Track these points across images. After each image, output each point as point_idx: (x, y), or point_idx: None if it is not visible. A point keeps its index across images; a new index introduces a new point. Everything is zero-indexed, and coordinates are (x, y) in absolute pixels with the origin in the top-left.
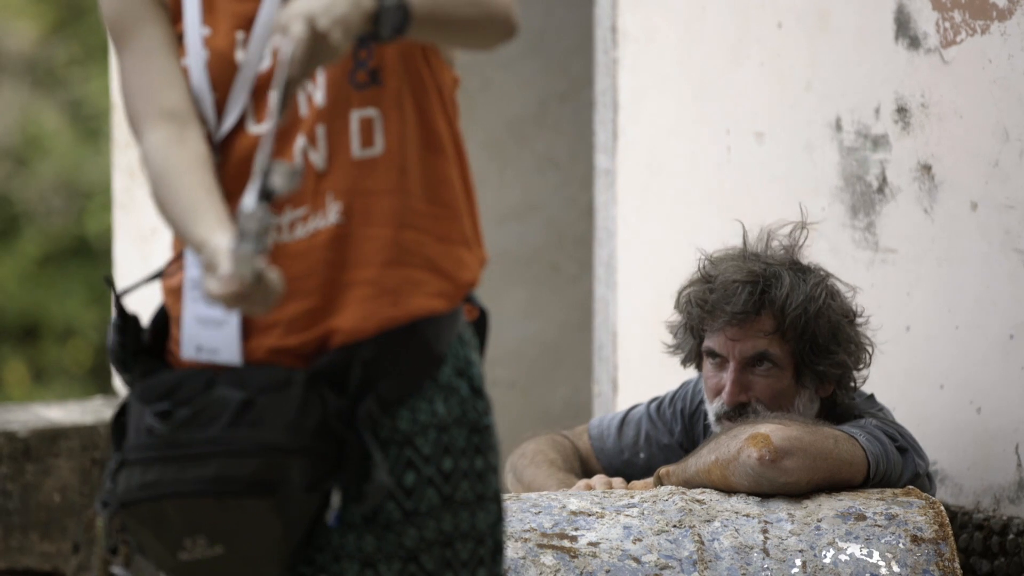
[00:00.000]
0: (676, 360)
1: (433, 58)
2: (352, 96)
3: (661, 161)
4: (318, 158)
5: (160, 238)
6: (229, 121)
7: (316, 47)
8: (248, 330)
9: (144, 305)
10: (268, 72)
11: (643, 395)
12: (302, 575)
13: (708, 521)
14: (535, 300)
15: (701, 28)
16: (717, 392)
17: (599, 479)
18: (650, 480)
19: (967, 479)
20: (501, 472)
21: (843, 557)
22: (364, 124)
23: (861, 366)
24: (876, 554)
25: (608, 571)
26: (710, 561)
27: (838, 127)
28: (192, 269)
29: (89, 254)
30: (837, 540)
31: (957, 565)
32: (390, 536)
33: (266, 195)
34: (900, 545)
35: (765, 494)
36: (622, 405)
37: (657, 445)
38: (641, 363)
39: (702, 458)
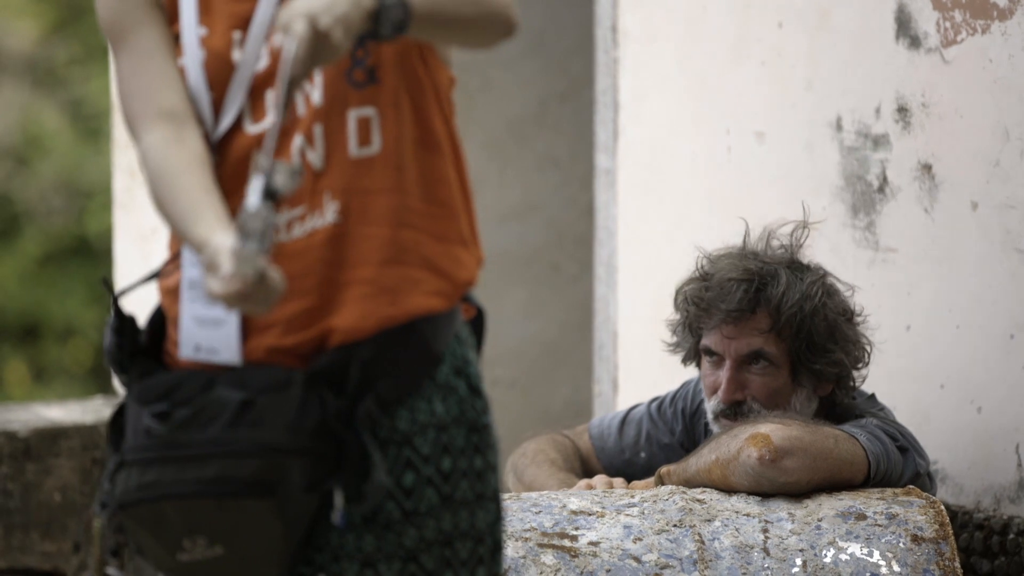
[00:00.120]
0: (677, 359)
1: (429, 57)
2: (350, 95)
3: (661, 161)
4: (315, 157)
5: (160, 238)
6: (226, 121)
7: (318, 46)
8: (247, 330)
9: (143, 306)
10: (265, 72)
11: (644, 395)
12: (301, 575)
13: (709, 520)
14: (535, 300)
15: (701, 28)
16: (714, 390)
17: (600, 479)
18: (651, 480)
19: (968, 479)
20: (500, 471)
21: (844, 556)
22: (361, 123)
23: (860, 365)
24: (877, 553)
25: (608, 570)
26: (710, 560)
27: (838, 127)
28: (189, 269)
29: (90, 254)
30: (838, 539)
31: (958, 565)
32: (390, 536)
33: (270, 194)
34: (901, 544)
35: (765, 494)
36: (623, 405)
37: (658, 445)
38: (642, 363)
39: (703, 458)
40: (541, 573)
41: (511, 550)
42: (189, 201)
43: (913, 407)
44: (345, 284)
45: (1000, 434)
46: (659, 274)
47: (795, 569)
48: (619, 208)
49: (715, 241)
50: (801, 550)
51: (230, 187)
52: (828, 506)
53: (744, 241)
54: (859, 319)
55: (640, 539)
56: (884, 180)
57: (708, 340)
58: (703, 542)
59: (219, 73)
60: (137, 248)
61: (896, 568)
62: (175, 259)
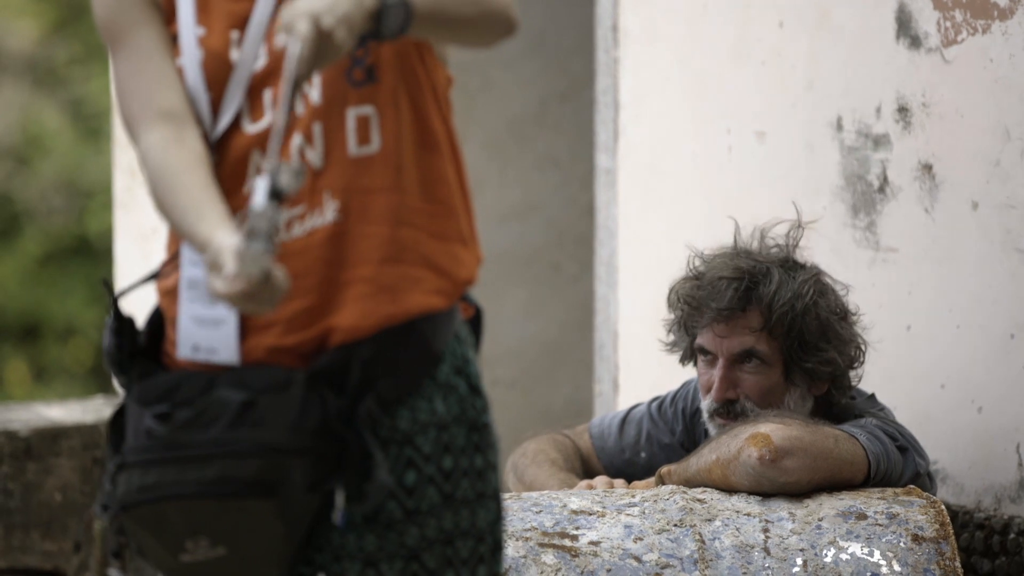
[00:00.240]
0: (676, 359)
1: (428, 56)
2: (349, 94)
3: (662, 160)
4: (315, 156)
5: (161, 237)
6: (225, 120)
7: (321, 46)
8: (246, 329)
9: (142, 307)
10: (263, 71)
11: (644, 394)
12: (302, 575)
13: (709, 520)
14: (536, 300)
15: (702, 27)
16: (708, 389)
17: (601, 480)
18: (651, 480)
19: (968, 478)
20: (500, 470)
21: (844, 556)
22: (360, 122)
23: (855, 364)
24: (877, 553)
25: (609, 570)
26: (711, 560)
27: (839, 126)
28: (189, 269)
29: (90, 253)
30: (838, 539)
31: (958, 564)
32: (391, 535)
33: (276, 194)
34: (901, 544)
35: (766, 493)
36: (623, 404)
37: (658, 444)
38: (642, 362)
39: (703, 457)
40: (542, 573)
41: (512, 550)
42: (190, 201)
43: (913, 407)
44: (345, 283)
45: (1000, 434)
46: (659, 274)
47: (796, 569)
48: (619, 208)
49: (715, 241)
50: (802, 550)
51: (229, 186)
52: (828, 506)
53: (736, 240)
54: (854, 318)
55: (641, 539)
56: (884, 180)
57: (701, 339)
58: (704, 542)
59: (217, 73)
60: (137, 248)
61: (897, 568)
62: (173, 260)
